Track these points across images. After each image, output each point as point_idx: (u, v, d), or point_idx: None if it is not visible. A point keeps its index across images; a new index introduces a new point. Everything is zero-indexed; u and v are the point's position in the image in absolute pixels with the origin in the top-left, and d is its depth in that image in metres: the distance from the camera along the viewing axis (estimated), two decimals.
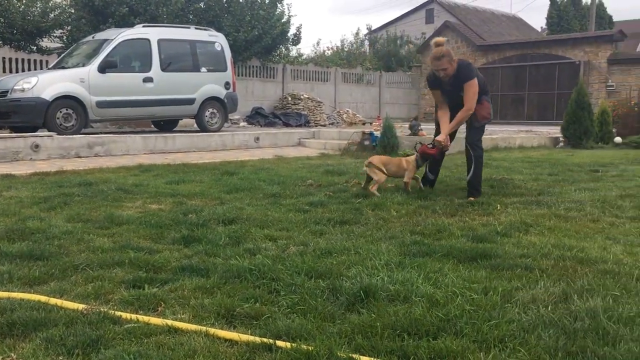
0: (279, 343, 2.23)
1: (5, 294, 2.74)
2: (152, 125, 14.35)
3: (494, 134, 14.47)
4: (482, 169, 6.00)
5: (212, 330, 2.38)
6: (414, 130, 11.89)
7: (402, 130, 12.35)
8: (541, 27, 39.63)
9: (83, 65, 11.21)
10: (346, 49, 30.86)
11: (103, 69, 11.08)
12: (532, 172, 7.98)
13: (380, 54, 28.75)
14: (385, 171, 6.11)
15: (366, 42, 33.46)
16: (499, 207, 5.26)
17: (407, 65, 27.69)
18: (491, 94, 21.76)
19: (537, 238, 4.05)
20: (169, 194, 5.98)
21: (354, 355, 2.08)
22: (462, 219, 4.79)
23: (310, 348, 2.13)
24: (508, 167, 8.67)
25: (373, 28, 37.06)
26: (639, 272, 3.16)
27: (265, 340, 2.26)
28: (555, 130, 15.20)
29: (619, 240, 4.03)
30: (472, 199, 5.67)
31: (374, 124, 12.57)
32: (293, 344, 2.18)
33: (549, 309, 2.61)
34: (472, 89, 5.73)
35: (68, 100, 10.66)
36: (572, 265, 3.30)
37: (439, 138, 5.95)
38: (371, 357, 2.11)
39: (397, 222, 4.67)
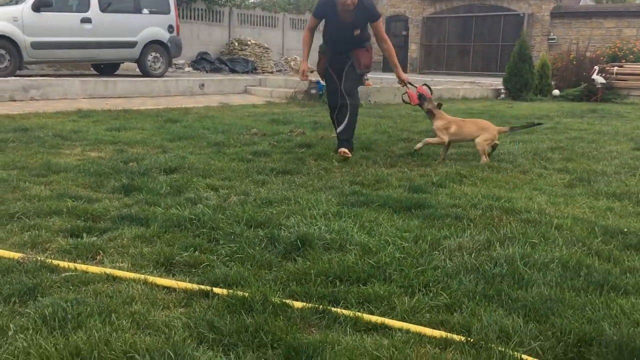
0: (216, 290, 2.31)
1: None
2: (92, 69, 13.82)
3: (439, 84, 14.67)
4: (356, 121, 5.50)
5: (150, 278, 2.43)
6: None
7: None
8: None
9: (16, 3, 10.61)
10: None
11: (37, 7, 10.51)
12: None
13: None
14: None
15: None
16: (438, 162, 5.44)
17: None
18: (438, 44, 21.86)
19: (469, 189, 4.25)
20: (110, 141, 5.88)
21: (287, 301, 2.19)
22: (401, 170, 4.94)
23: (245, 294, 2.22)
24: None
25: None
26: (558, 221, 3.39)
27: (202, 287, 2.34)
28: (497, 82, 15.56)
29: (545, 190, 4.27)
30: (345, 152, 5.16)
31: None
32: (230, 291, 2.27)
33: (472, 256, 2.78)
34: (381, 24, 5.44)
35: (0, 40, 10.11)
36: (498, 215, 3.50)
37: (402, 77, 5.58)
38: (304, 302, 2.22)
39: (338, 172, 4.77)
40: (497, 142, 5.49)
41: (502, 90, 14.09)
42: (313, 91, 11.66)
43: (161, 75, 12.57)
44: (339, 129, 5.33)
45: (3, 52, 10.17)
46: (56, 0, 10.84)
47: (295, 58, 20.07)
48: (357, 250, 2.78)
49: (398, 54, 22.63)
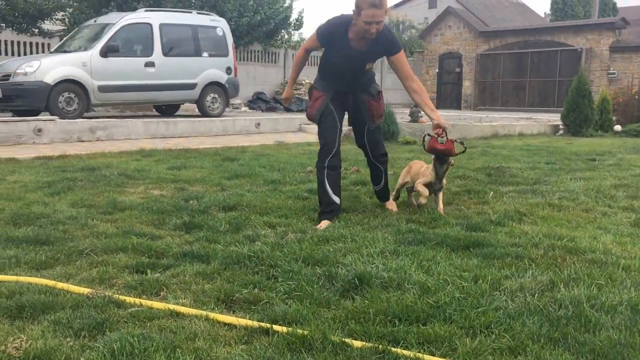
0: (276, 327, 2.34)
1: (13, 278, 2.85)
2: (154, 110, 14.42)
3: (494, 121, 14.52)
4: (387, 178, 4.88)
5: (212, 315, 2.48)
6: (414, 117, 11.95)
7: (402, 117, 12.41)
8: (545, 13, 39.46)
9: (85, 49, 11.27)
10: None
11: (105, 53, 11.14)
12: (529, 160, 8.07)
13: None
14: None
15: None
16: (491, 195, 5.36)
17: (409, 50, 27.62)
18: (492, 81, 21.72)
19: (529, 227, 4.15)
20: (171, 179, 6.08)
21: (346, 340, 2.19)
22: (458, 208, 4.89)
23: (305, 332, 2.23)
24: (506, 155, 8.76)
25: None
26: (625, 261, 3.27)
27: (262, 324, 2.37)
28: (555, 118, 15.25)
29: (610, 230, 4.13)
30: (390, 205, 4.83)
31: None
32: (289, 328, 2.29)
33: (535, 297, 2.71)
34: (404, 58, 4.33)
35: (70, 84, 10.73)
36: (561, 255, 3.40)
37: (441, 122, 4.27)
38: (363, 341, 2.22)
39: (394, 211, 4.77)
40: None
41: (561, 126, 13.80)
42: None
43: (219, 115, 12.98)
44: (377, 187, 4.88)
45: (72, 95, 10.77)
46: (122, 45, 11.46)
47: None
48: (415, 290, 2.76)
49: (452, 91, 22.82)
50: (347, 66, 4.33)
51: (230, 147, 9.47)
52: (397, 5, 39.50)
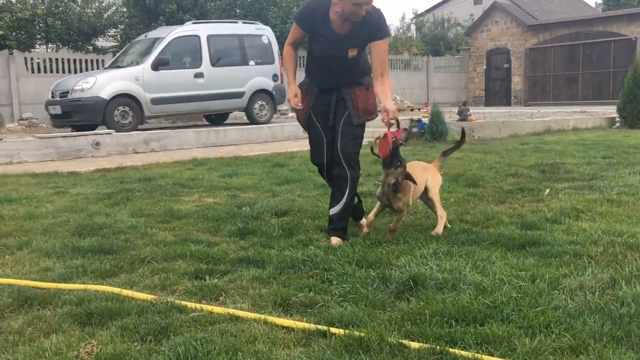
0: (333, 330, 2.38)
1: (82, 287, 2.99)
2: (204, 119, 14.74)
3: (546, 116, 14.17)
4: (354, 198, 4.03)
5: (270, 318, 2.55)
6: (463, 116, 11.80)
7: (450, 116, 12.27)
8: (596, 3, 38.18)
9: (137, 64, 11.65)
10: (392, 35, 30.65)
11: (156, 66, 11.49)
12: (585, 155, 7.85)
13: (427, 38, 28.43)
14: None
15: (412, 27, 33.11)
16: (547, 192, 5.24)
17: (455, 48, 27.30)
18: (543, 75, 21.10)
19: (587, 224, 4.05)
20: (223, 187, 6.22)
21: (403, 341, 2.21)
22: (512, 206, 4.81)
23: (362, 334, 2.26)
24: (560, 150, 8.54)
25: (419, 12, 36.61)
26: None
27: (320, 327, 2.41)
28: (611, 110, 14.75)
29: None
30: (339, 241, 3.78)
31: (422, 110, 12.51)
32: (346, 331, 2.32)
33: (596, 295, 2.66)
34: (386, 45, 3.77)
35: (124, 99, 11.12)
36: (622, 252, 3.31)
37: (387, 106, 3.68)
38: (420, 342, 2.23)
39: (446, 211, 4.73)
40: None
41: (617, 119, 13.33)
42: (415, 129, 11.67)
43: (267, 122, 13.16)
44: (333, 210, 3.92)
45: (127, 109, 11.15)
46: (172, 58, 11.79)
47: (395, 97, 20.20)
48: (471, 290, 2.75)
49: (500, 87, 22.31)
50: (330, 55, 3.79)
51: (279, 153, 9.59)
52: (441, 3, 39.07)
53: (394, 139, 3.67)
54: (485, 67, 25.45)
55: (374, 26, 3.69)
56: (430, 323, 2.40)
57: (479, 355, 2.09)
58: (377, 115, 3.89)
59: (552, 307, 2.53)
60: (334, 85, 3.90)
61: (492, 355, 2.13)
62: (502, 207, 4.82)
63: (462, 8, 35.97)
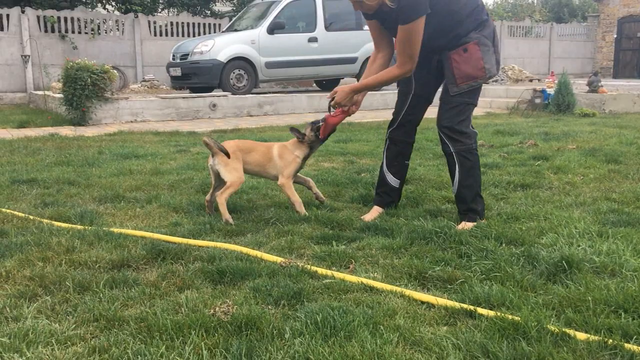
0: (480, 310, 2.15)
1: (212, 244, 2.96)
2: (315, 85, 14.68)
3: None
4: (479, 173, 3.47)
5: (407, 292, 2.36)
6: (594, 87, 10.85)
7: (576, 87, 11.35)
8: None
9: (253, 28, 11.70)
10: (511, 1, 28.92)
11: (272, 30, 11.48)
12: None
13: (550, 4, 26.53)
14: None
15: None
16: None
17: (581, 15, 25.29)
18: None
19: None
20: (339, 152, 6.09)
21: (568, 330, 1.94)
22: None
23: (516, 318, 2.02)
24: None
25: None
26: None
27: (465, 305, 2.20)
28: None
29: None
30: (467, 225, 3.30)
31: (547, 80, 11.67)
32: (497, 313, 2.09)
33: None
34: (406, 33, 3.15)
35: (240, 62, 11.24)
36: None
37: (341, 87, 3.50)
38: (584, 333, 1.95)
39: (586, 188, 4.31)
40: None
41: None
42: (537, 100, 10.92)
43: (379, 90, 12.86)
44: (453, 189, 3.49)
45: (242, 72, 11.27)
46: (287, 22, 11.73)
47: (513, 67, 19.10)
48: (637, 278, 2.41)
49: (632, 58, 20.33)
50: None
51: (378, 121, 9.31)
52: None
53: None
54: (615, 35, 23.35)
55: (398, 10, 3.12)
56: (594, 312, 2.11)
57: None
58: (485, 76, 3.30)
59: None
60: (434, 51, 3.39)
61: None
62: None
63: None
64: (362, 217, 3.53)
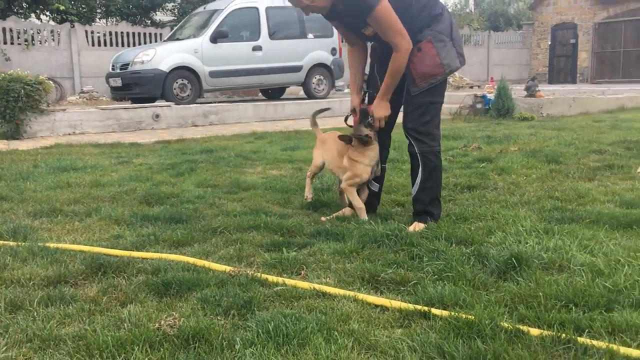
0: (434, 311, 2.12)
1: (156, 255, 2.83)
2: (260, 94, 14.58)
3: (619, 93, 13.41)
4: (440, 177, 3.52)
5: (360, 295, 2.31)
6: (531, 92, 11.21)
7: (515, 92, 11.71)
8: None
9: (195, 37, 11.52)
10: (450, 10, 29.70)
11: (215, 39, 11.33)
12: None
13: (487, 13, 27.39)
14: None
15: (471, 2, 32.03)
16: (639, 170, 4.82)
17: (516, 24, 26.21)
18: (613, 51, 19.94)
19: None
20: (287, 160, 6.02)
21: (521, 327, 1.93)
22: (603, 184, 4.43)
23: (470, 317, 2.00)
24: None
25: None
26: None
27: (419, 307, 2.16)
28: None
29: None
30: (419, 226, 3.28)
31: (487, 86, 11.98)
32: (451, 312, 2.07)
33: None
34: (378, 20, 3.15)
35: (183, 71, 11.03)
36: None
37: (370, 107, 3.54)
38: (538, 328, 1.95)
39: (530, 187, 4.40)
40: None
41: None
42: (479, 106, 11.18)
43: (325, 97, 12.88)
44: (413, 190, 3.48)
45: (186, 82, 11.06)
46: (231, 31, 11.61)
47: (454, 74, 19.57)
48: (584, 272, 2.44)
49: (565, 64, 21.26)
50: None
51: (338, 127, 9.31)
52: None
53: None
54: (549, 42, 24.33)
55: (351, 7, 3.19)
56: (546, 307, 2.12)
57: (614, 347, 1.80)
58: (444, 72, 3.29)
59: None
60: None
61: (629, 346, 1.84)
62: (592, 184, 4.44)
63: None
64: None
